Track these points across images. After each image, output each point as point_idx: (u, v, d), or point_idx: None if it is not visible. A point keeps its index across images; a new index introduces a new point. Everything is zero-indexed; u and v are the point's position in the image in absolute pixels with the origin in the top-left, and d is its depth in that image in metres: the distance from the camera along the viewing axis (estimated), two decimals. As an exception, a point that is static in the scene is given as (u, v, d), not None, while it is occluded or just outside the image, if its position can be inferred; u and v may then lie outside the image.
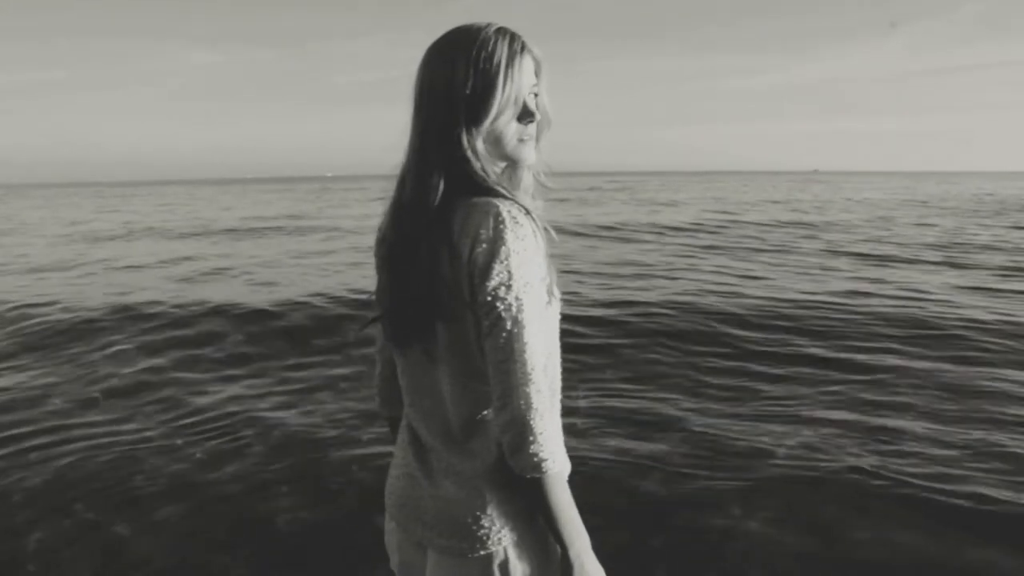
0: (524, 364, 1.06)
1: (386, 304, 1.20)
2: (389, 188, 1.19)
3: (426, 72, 1.15)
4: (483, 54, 1.11)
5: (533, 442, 1.06)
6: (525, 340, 1.07)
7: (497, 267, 1.06)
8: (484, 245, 1.06)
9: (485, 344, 1.09)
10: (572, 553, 1.12)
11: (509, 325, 1.06)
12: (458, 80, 1.10)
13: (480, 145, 1.13)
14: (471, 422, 1.18)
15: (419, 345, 1.17)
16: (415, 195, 1.13)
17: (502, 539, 1.17)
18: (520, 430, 1.07)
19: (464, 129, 1.11)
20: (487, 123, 1.12)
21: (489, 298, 1.06)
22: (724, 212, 22.08)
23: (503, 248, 1.06)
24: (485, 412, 1.17)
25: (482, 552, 1.17)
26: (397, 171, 1.19)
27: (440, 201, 1.11)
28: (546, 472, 1.08)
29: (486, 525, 1.17)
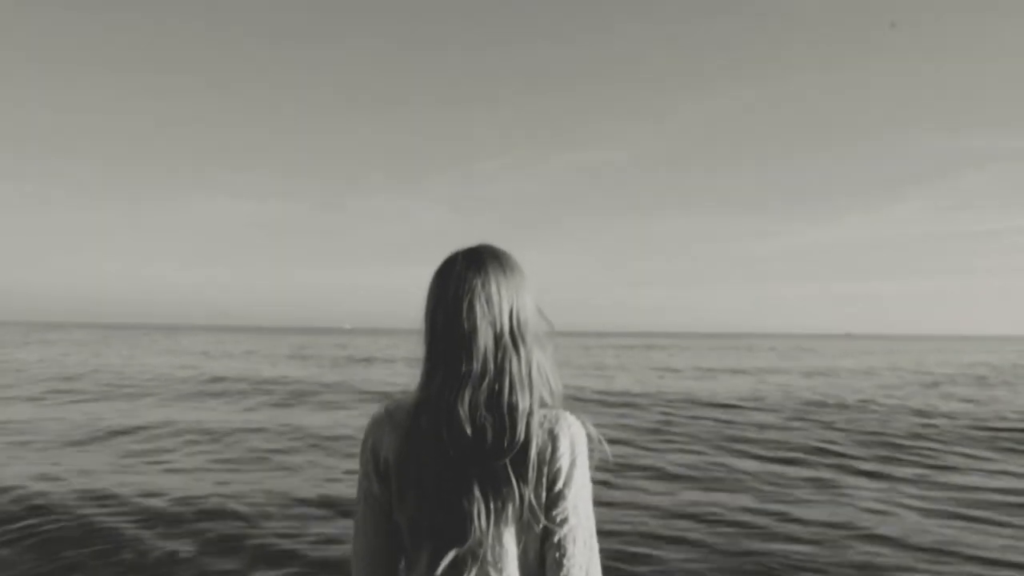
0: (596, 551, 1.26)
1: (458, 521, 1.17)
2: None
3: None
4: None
5: None
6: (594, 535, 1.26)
7: (578, 472, 1.21)
8: (566, 453, 1.22)
9: (564, 541, 1.19)
10: None
11: (590, 524, 1.23)
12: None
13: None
14: None
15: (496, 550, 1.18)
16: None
17: None
18: None
19: None
20: None
21: (570, 498, 1.21)
22: None
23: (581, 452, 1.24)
24: None
25: None
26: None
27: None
28: None
29: None
